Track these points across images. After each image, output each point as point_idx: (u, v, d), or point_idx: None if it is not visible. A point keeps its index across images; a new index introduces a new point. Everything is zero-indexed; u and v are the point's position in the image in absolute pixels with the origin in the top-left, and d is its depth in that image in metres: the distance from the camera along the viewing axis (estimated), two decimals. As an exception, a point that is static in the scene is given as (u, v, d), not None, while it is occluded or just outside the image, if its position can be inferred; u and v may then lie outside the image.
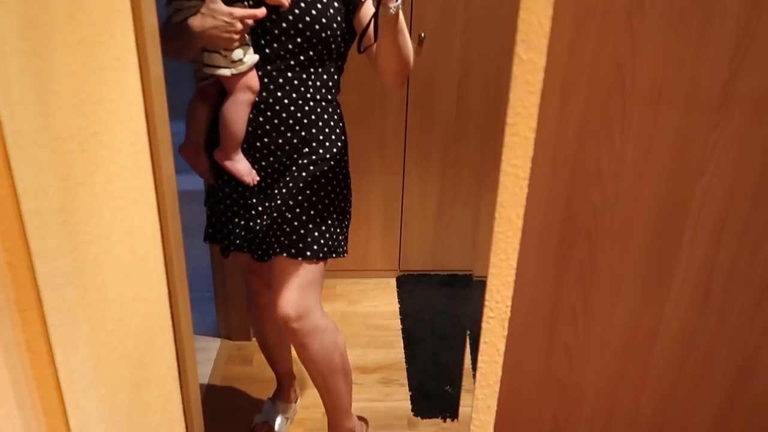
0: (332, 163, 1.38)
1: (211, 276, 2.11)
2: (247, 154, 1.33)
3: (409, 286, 2.53)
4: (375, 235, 2.53)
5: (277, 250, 1.36)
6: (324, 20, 1.26)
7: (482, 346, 0.73)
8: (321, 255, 1.37)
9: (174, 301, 1.07)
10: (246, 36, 1.25)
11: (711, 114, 0.90)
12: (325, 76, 1.33)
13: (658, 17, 0.84)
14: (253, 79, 1.27)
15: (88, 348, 0.72)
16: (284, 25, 1.24)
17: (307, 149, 1.34)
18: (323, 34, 1.26)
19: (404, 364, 2.08)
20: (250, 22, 1.21)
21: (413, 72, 2.28)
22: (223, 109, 1.29)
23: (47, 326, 0.61)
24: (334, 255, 1.40)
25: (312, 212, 1.36)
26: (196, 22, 1.19)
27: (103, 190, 0.75)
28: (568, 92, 0.88)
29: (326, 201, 1.38)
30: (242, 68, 1.24)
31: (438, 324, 2.28)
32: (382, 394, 1.94)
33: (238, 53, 1.23)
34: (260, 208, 1.38)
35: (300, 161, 1.34)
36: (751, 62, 0.86)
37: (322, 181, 1.37)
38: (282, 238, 1.36)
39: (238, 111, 1.28)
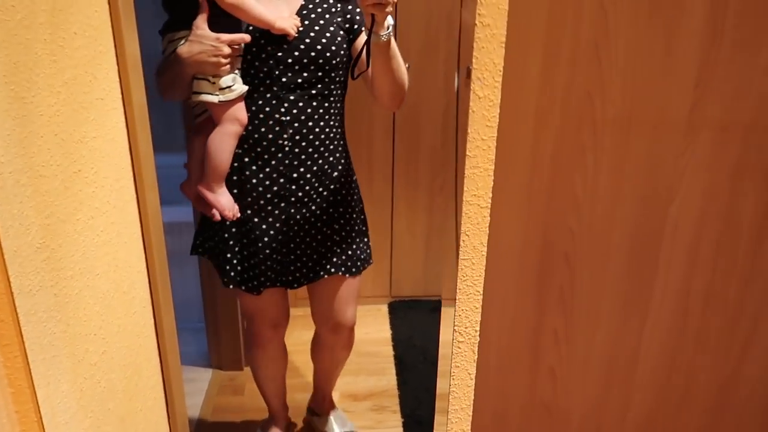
0: (351, 183, 1.47)
1: (202, 307, 2.11)
2: (284, 189, 1.35)
3: (400, 312, 2.53)
4: (366, 262, 2.54)
5: (332, 270, 1.46)
6: (334, 48, 1.30)
7: (453, 370, 0.74)
8: (367, 265, 1.52)
9: (161, 332, 1.08)
10: (237, 64, 1.26)
11: (679, 139, 0.93)
12: (338, 104, 1.39)
13: (623, 46, 0.87)
14: (240, 111, 1.27)
15: (71, 382, 0.73)
16: (296, 53, 1.27)
17: (335, 173, 1.40)
18: (333, 61, 1.31)
19: (396, 390, 2.08)
20: (237, 46, 1.22)
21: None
22: (209, 140, 1.29)
23: (28, 361, 0.62)
24: (370, 261, 1.54)
25: (356, 230, 1.48)
26: (184, 48, 1.21)
27: (86, 226, 0.77)
28: (542, 122, 0.91)
29: (362, 217, 1.50)
30: (230, 96, 1.24)
31: (429, 350, 2.27)
32: (374, 421, 1.93)
33: (226, 80, 1.23)
34: (298, 240, 1.41)
35: (331, 186, 1.40)
36: (714, 88, 0.89)
37: (352, 200, 1.47)
38: (334, 259, 1.45)
39: (223, 142, 1.28)
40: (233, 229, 1.40)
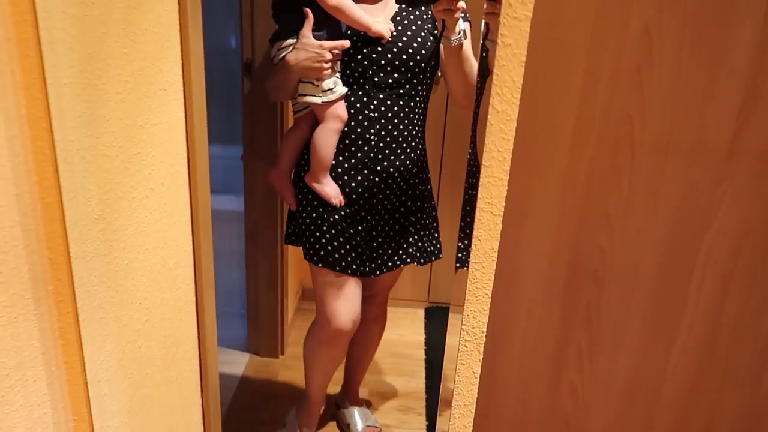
0: (426, 180, 1.56)
1: (245, 294, 2.21)
2: (368, 180, 1.44)
3: (436, 317, 2.56)
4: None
5: (408, 260, 1.58)
6: (423, 52, 1.38)
7: (459, 368, 0.77)
8: (435, 258, 1.65)
9: (201, 310, 1.15)
10: (337, 67, 1.38)
11: (718, 166, 0.92)
12: (422, 104, 1.47)
13: (666, 71, 0.88)
14: (341, 109, 1.39)
15: (114, 343, 0.80)
16: (389, 56, 1.37)
17: (415, 169, 1.48)
18: (422, 65, 1.39)
19: (424, 394, 2.11)
20: (337, 52, 1.34)
21: (448, 111, 2.37)
22: (314, 136, 1.42)
23: (79, 319, 0.70)
24: (440, 255, 1.67)
25: (428, 224, 1.59)
26: (292, 56, 1.35)
27: (140, 204, 0.85)
28: (578, 140, 0.92)
29: (433, 213, 1.61)
30: (332, 97, 1.37)
31: (462, 358, 2.29)
32: (399, 421, 1.97)
33: (328, 83, 1.36)
34: (379, 229, 1.51)
35: (410, 180, 1.49)
36: (758, 118, 0.89)
37: (423, 195, 1.55)
38: (410, 250, 1.57)
39: (327, 138, 1.40)
40: (316, 214, 1.48)
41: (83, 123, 0.68)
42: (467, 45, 1.36)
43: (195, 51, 0.97)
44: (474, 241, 0.66)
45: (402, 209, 1.51)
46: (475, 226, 0.65)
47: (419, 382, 2.17)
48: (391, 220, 1.51)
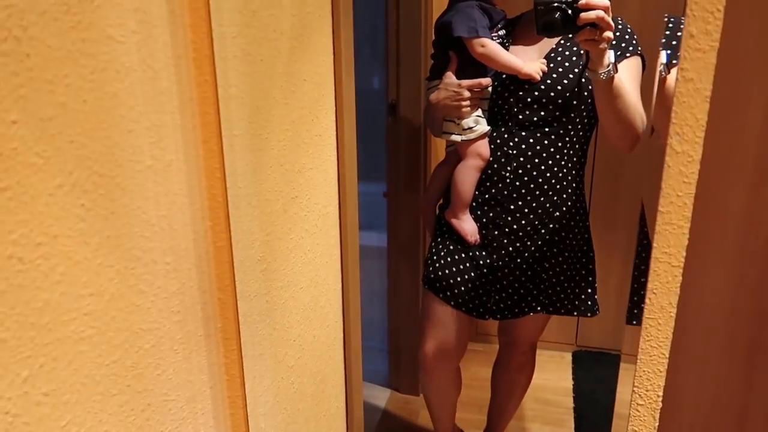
0: (576, 228, 1.44)
1: (386, 329, 2.23)
2: (500, 218, 1.40)
3: (585, 363, 2.40)
4: (552, 306, 2.45)
5: (537, 308, 1.47)
6: (575, 89, 1.32)
7: (629, 435, 0.69)
8: (579, 313, 1.50)
9: (348, 347, 1.17)
10: (484, 105, 1.39)
11: None
12: (576, 146, 1.38)
13: None
14: (482, 147, 1.38)
15: (271, 379, 0.84)
16: (536, 93, 1.33)
17: (558, 213, 1.39)
18: (572, 102, 1.33)
19: (573, 446, 1.97)
20: (478, 90, 1.35)
21: (599, 143, 2.24)
22: (455, 172, 1.43)
23: (242, 355, 0.73)
24: (587, 313, 1.51)
25: (571, 275, 1.47)
26: (434, 95, 1.40)
27: (296, 245, 0.89)
28: (762, 178, 0.82)
29: (589, 266, 1.49)
30: (471, 136, 1.38)
31: (613, 407, 2.11)
32: (546, 474, 1.85)
33: (468, 122, 1.37)
34: (506, 271, 1.44)
35: (551, 225, 1.40)
36: None
37: (571, 245, 1.44)
38: (540, 298, 1.46)
39: (467, 175, 1.41)
40: (443, 247, 1.48)
41: (250, 170, 0.73)
42: (622, 79, 1.22)
43: (347, 97, 1.01)
44: (648, 294, 0.60)
45: (537, 255, 1.41)
46: (650, 278, 0.59)
47: (567, 433, 2.03)
48: (524, 264, 1.41)
